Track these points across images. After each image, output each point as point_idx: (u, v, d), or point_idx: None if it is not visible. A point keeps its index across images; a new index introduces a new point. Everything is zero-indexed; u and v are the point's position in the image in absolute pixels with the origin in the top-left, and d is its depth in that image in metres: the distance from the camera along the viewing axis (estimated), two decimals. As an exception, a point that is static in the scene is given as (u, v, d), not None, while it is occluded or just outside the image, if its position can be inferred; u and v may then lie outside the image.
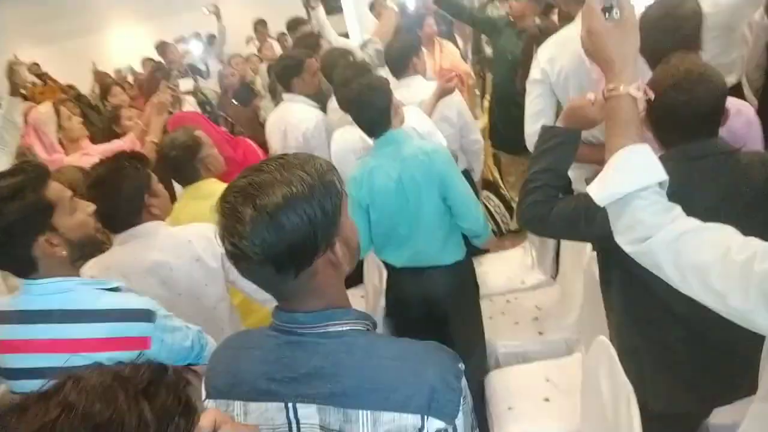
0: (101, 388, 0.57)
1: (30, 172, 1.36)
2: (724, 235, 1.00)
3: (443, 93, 2.87)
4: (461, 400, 0.96)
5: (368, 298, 2.57)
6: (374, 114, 2.27)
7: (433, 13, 4.64)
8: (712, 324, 1.06)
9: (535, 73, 2.34)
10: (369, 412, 0.94)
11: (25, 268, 1.39)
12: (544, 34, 2.79)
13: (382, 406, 0.94)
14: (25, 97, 5.01)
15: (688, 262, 1.00)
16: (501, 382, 2.45)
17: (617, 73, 1.10)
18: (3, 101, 3.25)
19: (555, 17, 3.81)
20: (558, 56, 2.22)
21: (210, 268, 1.86)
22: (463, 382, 0.99)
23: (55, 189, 1.39)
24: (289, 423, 0.99)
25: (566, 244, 2.81)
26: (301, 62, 3.23)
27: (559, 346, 2.61)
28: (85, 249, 1.50)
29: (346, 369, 0.96)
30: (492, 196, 4.58)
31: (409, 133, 2.39)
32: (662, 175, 1.06)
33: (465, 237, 2.45)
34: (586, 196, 1.19)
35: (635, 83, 1.09)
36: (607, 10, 1.09)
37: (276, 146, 3.36)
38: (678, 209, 1.06)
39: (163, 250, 1.83)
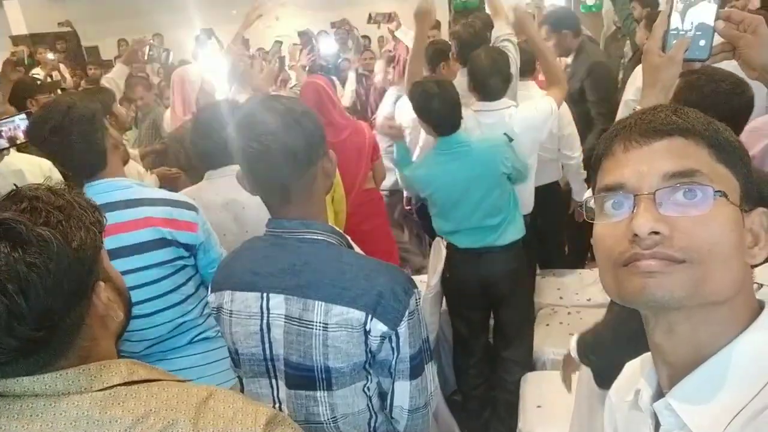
0: (50, 189, 0.80)
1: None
2: None
3: None
4: (406, 312, 1.11)
5: (429, 277, 2.74)
6: (444, 114, 2.42)
7: None
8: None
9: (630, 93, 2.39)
10: (323, 303, 1.12)
11: (98, 163, 1.73)
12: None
13: (335, 300, 1.11)
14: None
15: None
16: (536, 382, 2.50)
17: (644, 96, 1.27)
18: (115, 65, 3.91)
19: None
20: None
21: (276, 213, 2.12)
22: (413, 300, 1.14)
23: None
24: (261, 311, 1.18)
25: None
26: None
27: (605, 363, 2.60)
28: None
29: (311, 266, 1.15)
30: (588, 218, 4.52)
31: (468, 129, 2.55)
32: None
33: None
34: None
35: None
36: (663, 46, 1.24)
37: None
38: None
39: (240, 191, 2.10)
